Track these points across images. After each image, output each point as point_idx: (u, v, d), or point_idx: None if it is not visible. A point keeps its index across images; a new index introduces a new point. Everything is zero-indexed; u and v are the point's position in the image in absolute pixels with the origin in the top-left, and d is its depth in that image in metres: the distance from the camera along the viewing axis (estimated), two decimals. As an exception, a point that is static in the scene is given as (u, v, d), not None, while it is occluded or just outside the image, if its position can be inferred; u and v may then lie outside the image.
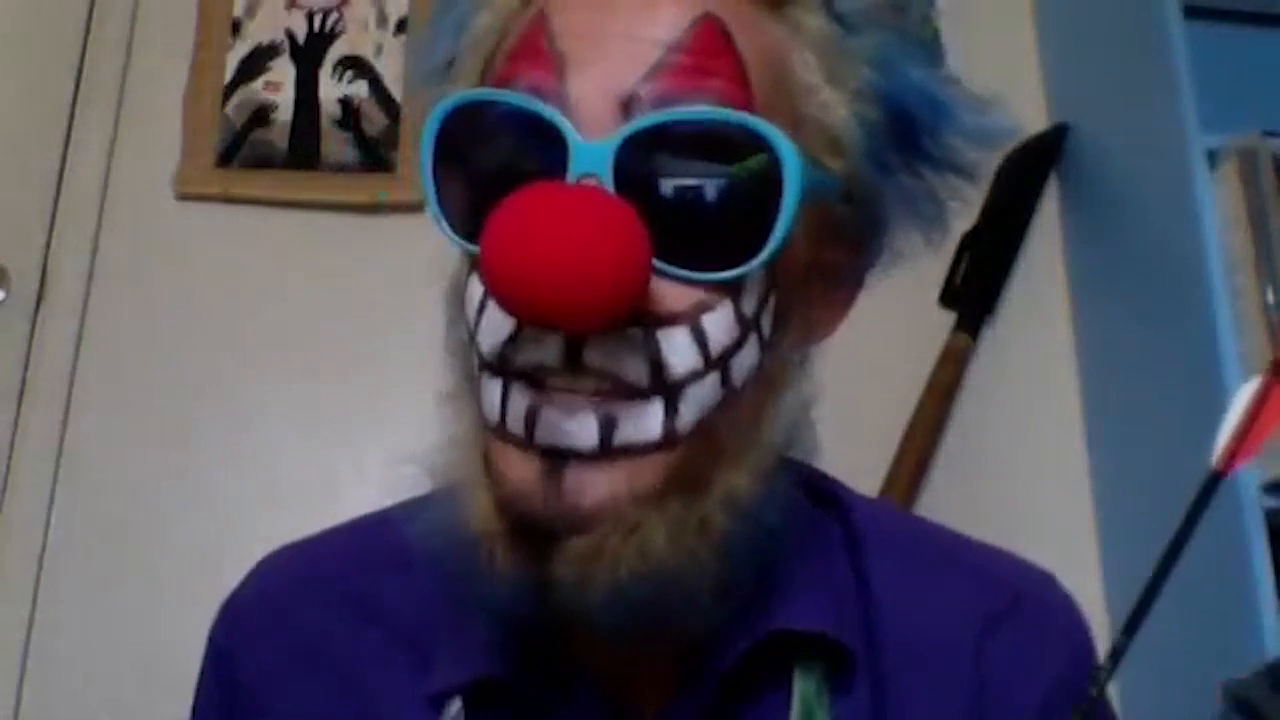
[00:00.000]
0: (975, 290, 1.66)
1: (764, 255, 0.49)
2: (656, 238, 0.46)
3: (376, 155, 1.65)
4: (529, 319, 0.46)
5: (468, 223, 0.51)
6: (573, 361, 0.47)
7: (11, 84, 1.64)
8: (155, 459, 1.51)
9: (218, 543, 1.45)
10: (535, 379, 0.48)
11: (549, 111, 0.49)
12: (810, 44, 0.53)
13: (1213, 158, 1.41)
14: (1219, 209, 1.39)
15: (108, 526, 1.48)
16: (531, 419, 0.48)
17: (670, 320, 0.48)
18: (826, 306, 0.57)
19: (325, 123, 1.67)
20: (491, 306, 0.49)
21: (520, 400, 0.48)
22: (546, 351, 0.48)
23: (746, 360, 0.50)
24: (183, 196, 1.63)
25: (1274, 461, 1.29)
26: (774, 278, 0.51)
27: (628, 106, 0.49)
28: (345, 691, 0.58)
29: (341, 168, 1.65)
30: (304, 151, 1.65)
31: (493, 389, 0.49)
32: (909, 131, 0.54)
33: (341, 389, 1.55)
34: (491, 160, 0.51)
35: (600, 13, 0.50)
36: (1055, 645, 0.60)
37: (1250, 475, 1.28)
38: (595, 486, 0.48)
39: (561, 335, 0.47)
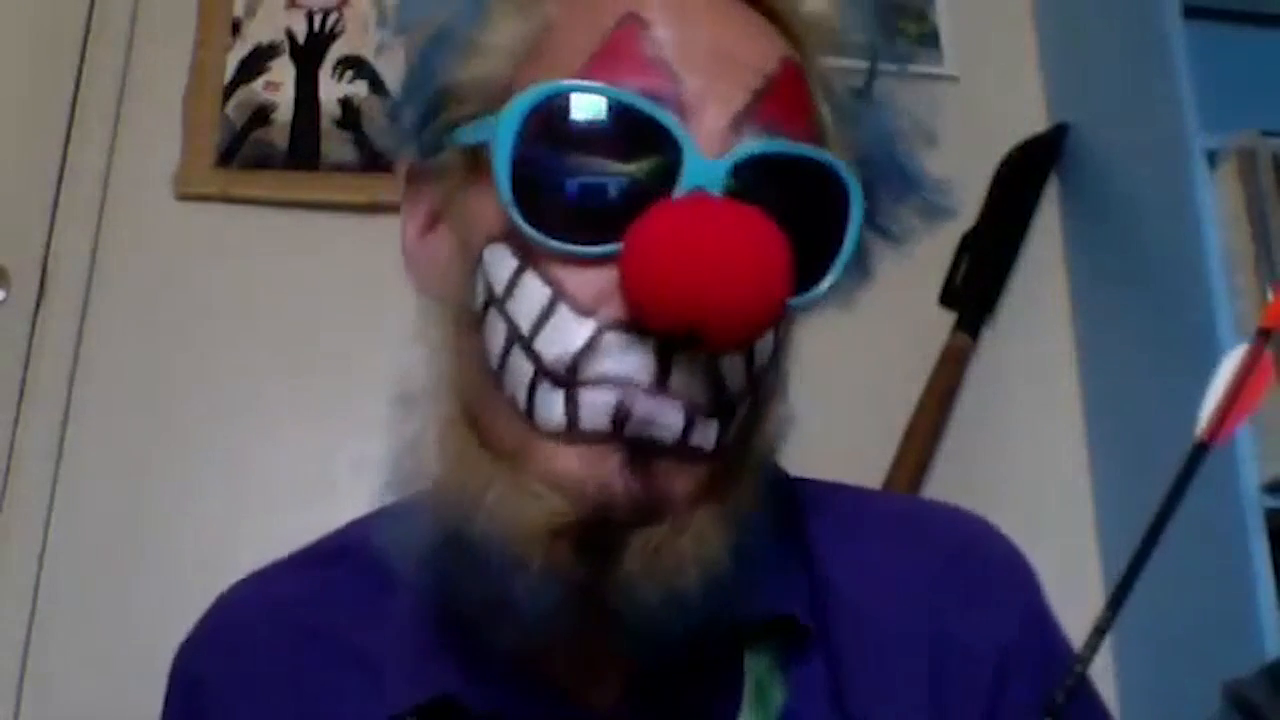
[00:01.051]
0: (975, 290, 1.66)
1: (827, 283, 0.51)
2: None
3: (376, 155, 1.65)
4: (680, 326, 0.45)
5: (550, 217, 0.48)
6: (661, 381, 0.47)
7: (11, 83, 1.64)
8: (155, 459, 1.51)
9: (217, 543, 1.45)
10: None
11: (669, 119, 0.48)
12: (827, 100, 0.56)
13: (1213, 158, 1.42)
14: (1219, 209, 1.40)
15: (108, 526, 1.48)
16: (621, 414, 0.47)
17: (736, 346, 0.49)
18: None
19: (325, 123, 1.66)
20: (562, 312, 0.48)
21: (602, 398, 0.47)
22: (632, 367, 0.47)
23: (771, 377, 0.52)
24: (183, 196, 1.62)
25: (1274, 461, 1.29)
26: None
27: (738, 127, 0.49)
28: (304, 718, 0.58)
29: (341, 168, 1.65)
30: (304, 151, 1.65)
31: (554, 398, 0.48)
32: (870, 196, 0.56)
33: (341, 389, 1.55)
34: (587, 157, 0.48)
35: (706, 33, 0.51)
36: (1005, 590, 0.61)
37: (1250, 475, 1.29)
38: (677, 476, 0.49)
39: (654, 353, 0.47)
